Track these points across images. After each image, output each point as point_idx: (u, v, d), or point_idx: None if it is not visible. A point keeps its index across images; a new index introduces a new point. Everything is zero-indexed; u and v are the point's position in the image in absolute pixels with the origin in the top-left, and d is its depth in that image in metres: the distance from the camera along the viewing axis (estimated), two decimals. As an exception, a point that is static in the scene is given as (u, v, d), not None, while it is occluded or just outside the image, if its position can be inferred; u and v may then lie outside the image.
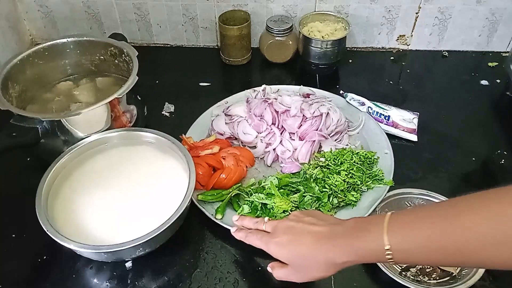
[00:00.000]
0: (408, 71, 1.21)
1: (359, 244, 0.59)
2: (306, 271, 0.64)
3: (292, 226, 0.66)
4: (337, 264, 0.62)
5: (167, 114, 1.08)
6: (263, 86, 1.06)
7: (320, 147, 0.95)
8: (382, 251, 0.57)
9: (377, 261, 0.63)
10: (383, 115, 1.02)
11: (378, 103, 1.05)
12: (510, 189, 0.50)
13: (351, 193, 0.84)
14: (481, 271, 0.73)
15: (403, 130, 1.00)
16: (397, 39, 1.25)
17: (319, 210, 0.82)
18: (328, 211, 0.81)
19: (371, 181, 0.86)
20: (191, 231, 0.83)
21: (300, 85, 1.08)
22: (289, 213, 0.80)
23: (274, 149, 0.94)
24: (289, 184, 0.86)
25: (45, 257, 0.80)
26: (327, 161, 0.89)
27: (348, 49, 1.25)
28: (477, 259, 0.53)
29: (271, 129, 0.96)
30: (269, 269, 0.69)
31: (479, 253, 0.51)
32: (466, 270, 0.75)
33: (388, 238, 0.56)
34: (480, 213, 0.51)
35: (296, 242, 0.64)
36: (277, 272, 0.68)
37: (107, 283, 0.76)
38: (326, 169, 0.88)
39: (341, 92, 1.10)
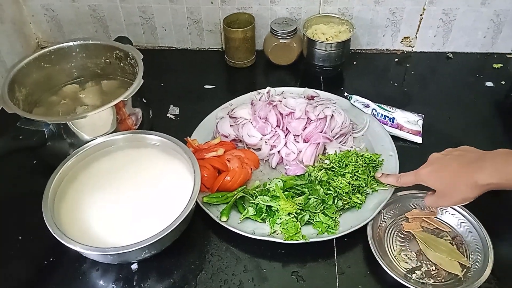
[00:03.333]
0: (412, 73, 1.21)
1: (507, 168, 0.63)
2: (450, 195, 0.70)
3: (441, 157, 0.73)
4: (480, 186, 0.66)
5: (172, 117, 1.08)
6: (268, 88, 1.06)
7: (325, 149, 0.95)
8: None
9: None
10: (388, 117, 1.02)
11: (382, 105, 1.05)
12: None
13: (356, 195, 0.84)
14: (486, 274, 0.73)
15: (408, 132, 1.00)
16: (402, 41, 1.25)
17: (324, 212, 0.82)
18: (333, 213, 0.81)
19: (376, 184, 0.86)
20: (196, 233, 0.84)
21: (304, 87, 1.08)
22: (294, 215, 0.81)
23: (278, 151, 0.94)
24: (294, 187, 0.86)
25: (51, 259, 0.81)
26: (331, 164, 0.89)
27: (352, 51, 1.25)
28: None
29: (276, 131, 0.96)
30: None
31: None
32: (471, 273, 0.75)
33: None
34: None
35: (443, 169, 0.71)
36: (426, 200, 0.76)
37: (113, 285, 0.77)
38: (331, 172, 0.88)
39: (346, 94, 1.10)
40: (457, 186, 0.69)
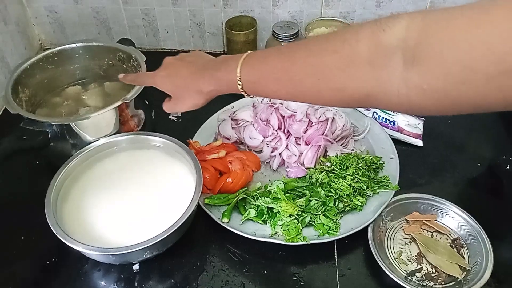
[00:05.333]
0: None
1: (220, 75, 0.68)
2: (183, 100, 0.74)
3: (173, 62, 0.76)
4: (204, 93, 0.71)
5: (174, 119, 1.09)
6: (269, 91, 1.07)
7: (326, 151, 0.96)
8: (235, 81, 0.65)
9: (232, 91, 0.68)
10: (389, 120, 1.03)
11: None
12: (335, 33, 0.57)
13: (357, 197, 0.84)
14: (486, 276, 0.73)
15: (409, 135, 1.01)
16: (403, 45, 1.25)
17: (325, 214, 0.82)
18: (334, 215, 0.82)
19: (376, 186, 0.86)
20: (197, 234, 0.84)
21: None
22: (295, 217, 0.81)
23: (280, 154, 0.95)
24: (295, 189, 0.87)
25: (53, 259, 0.81)
26: (332, 166, 0.90)
27: (353, 54, 1.25)
28: (300, 89, 0.60)
29: (277, 133, 0.96)
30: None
31: (301, 83, 0.59)
32: (471, 275, 0.75)
33: (239, 70, 0.64)
34: (311, 50, 0.58)
35: (176, 75, 0.74)
36: (165, 106, 0.78)
37: (115, 285, 0.77)
38: (331, 174, 0.88)
39: (347, 97, 1.10)
40: (187, 93, 0.73)
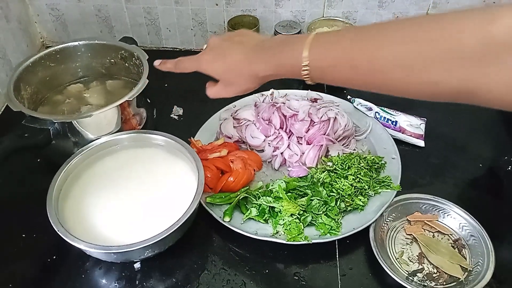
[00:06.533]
0: (415, 77, 1.21)
1: (281, 58, 0.61)
2: (233, 85, 0.68)
3: (220, 43, 0.69)
4: (260, 77, 0.65)
5: (176, 117, 1.09)
6: (271, 90, 1.07)
7: (328, 151, 0.96)
8: (299, 66, 0.58)
9: (292, 76, 0.62)
10: (391, 120, 1.03)
11: (385, 109, 1.05)
12: (425, 18, 0.53)
13: (359, 197, 0.84)
14: (488, 277, 0.73)
15: (410, 136, 1.01)
16: (405, 45, 1.25)
17: (326, 214, 0.82)
18: (336, 215, 0.82)
19: (378, 186, 0.86)
20: (199, 233, 0.84)
21: (307, 90, 1.09)
22: (296, 216, 0.81)
23: (281, 153, 0.95)
24: (297, 188, 0.87)
25: (54, 257, 0.81)
26: (334, 166, 0.90)
27: (355, 54, 1.25)
28: (383, 80, 0.54)
29: (279, 133, 0.96)
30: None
31: (386, 74, 0.53)
32: (473, 276, 0.75)
33: (308, 54, 0.57)
34: (395, 36, 0.52)
35: (224, 58, 0.67)
36: (209, 91, 0.72)
37: (116, 284, 0.77)
38: (333, 174, 0.88)
39: (349, 97, 1.10)
40: (239, 77, 0.67)
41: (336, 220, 0.81)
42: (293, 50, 0.59)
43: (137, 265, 0.79)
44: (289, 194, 0.85)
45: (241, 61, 0.65)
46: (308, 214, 0.82)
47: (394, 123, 1.02)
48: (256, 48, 0.65)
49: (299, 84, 1.19)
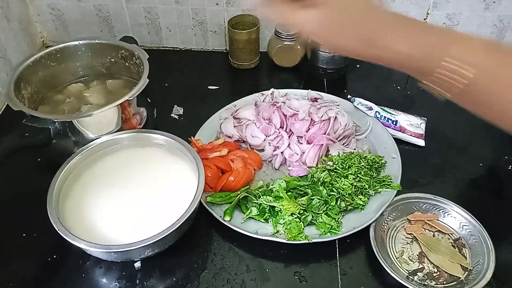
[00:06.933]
0: (415, 76, 1.21)
1: (431, 42, 0.48)
2: (343, 28, 0.48)
3: None
4: (391, 51, 0.51)
5: (176, 117, 1.09)
6: (271, 90, 1.07)
7: (328, 151, 0.96)
8: (457, 60, 0.47)
9: (428, 67, 0.51)
10: (391, 120, 1.03)
11: (385, 108, 1.05)
12: None
13: (359, 196, 0.84)
14: (488, 276, 0.73)
15: (411, 135, 1.01)
16: (405, 45, 1.25)
17: (327, 213, 0.82)
18: (336, 214, 0.82)
19: (378, 185, 0.86)
20: (199, 232, 0.84)
21: (308, 89, 1.09)
22: (297, 216, 0.81)
23: (282, 152, 0.95)
24: (297, 187, 0.87)
25: (54, 256, 0.81)
26: (334, 165, 0.90)
27: (356, 54, 1.25)
28: None
29: (279, 132, 0.96)
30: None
31: None
32: (473, 275, 0.75)
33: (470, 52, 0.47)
34: None
35: (346, 13, 0.49)
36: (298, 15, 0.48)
37: (116, 283, 0.77)
38: (333, 173, 0.88)
39: (349, 96, 1.11)
40: (354, 42, 0.51)
41: (337, 219, 0.81)
42: (451, 40, 0.49)
43: (137, 264, 0.79)
44: (289, 193, 0.85)
45: (366, 25, 0.50)
46: (309, 214, 0.82)
47: (394, 123, 1.02)
48: (388, 16, 0.51)
49: (299, 83, 1.19)
